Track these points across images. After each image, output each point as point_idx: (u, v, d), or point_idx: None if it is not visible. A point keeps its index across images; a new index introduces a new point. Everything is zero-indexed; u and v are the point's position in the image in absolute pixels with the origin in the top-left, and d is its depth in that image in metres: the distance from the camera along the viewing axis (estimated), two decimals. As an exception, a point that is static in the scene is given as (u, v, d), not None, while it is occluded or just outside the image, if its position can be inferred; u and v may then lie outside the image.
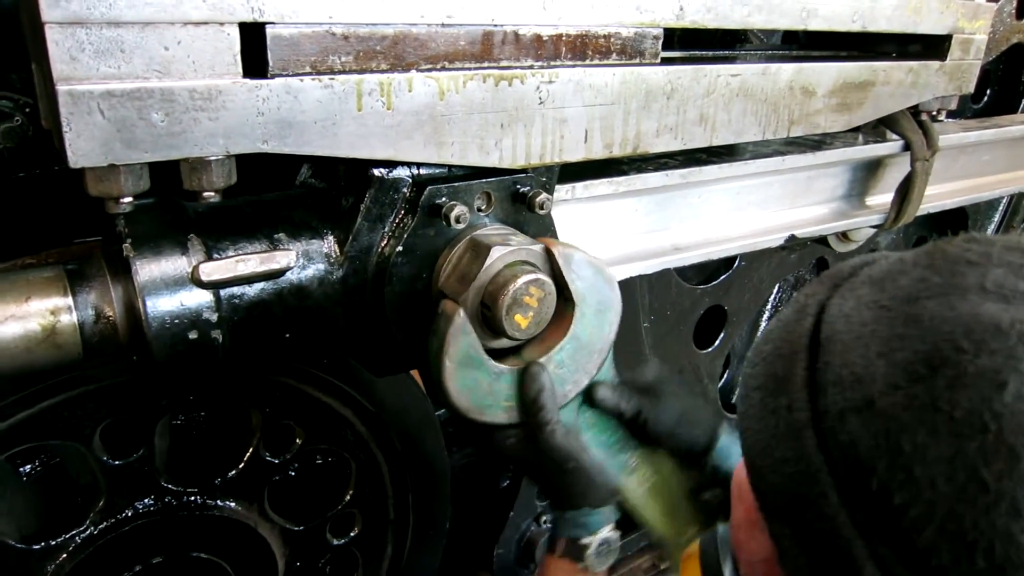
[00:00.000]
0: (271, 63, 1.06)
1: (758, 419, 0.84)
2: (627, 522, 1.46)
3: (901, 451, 0.69)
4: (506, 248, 1.27)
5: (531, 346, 1.35)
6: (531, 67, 1.31)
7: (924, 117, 2.11)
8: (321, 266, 1.27)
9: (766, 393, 0.84)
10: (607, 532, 1.40)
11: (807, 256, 2.74)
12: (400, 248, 1.29)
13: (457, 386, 1.26)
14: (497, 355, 1.32)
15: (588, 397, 1.43)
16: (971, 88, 2.13)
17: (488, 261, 1.26)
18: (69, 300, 1.13)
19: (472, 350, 1.25)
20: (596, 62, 1.39)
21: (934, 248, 0.83)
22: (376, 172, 1.26)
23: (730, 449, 1.48)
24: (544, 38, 1.31)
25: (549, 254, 1.30)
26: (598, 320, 1.36)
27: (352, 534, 1.96)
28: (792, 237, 2.06)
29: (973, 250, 0.79)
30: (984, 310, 0.71)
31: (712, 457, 1.48)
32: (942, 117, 2.16)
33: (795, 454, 0.78)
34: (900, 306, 0.77)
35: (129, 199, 1.04)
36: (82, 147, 0.96)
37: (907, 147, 2.11)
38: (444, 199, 1.29)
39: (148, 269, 1.13)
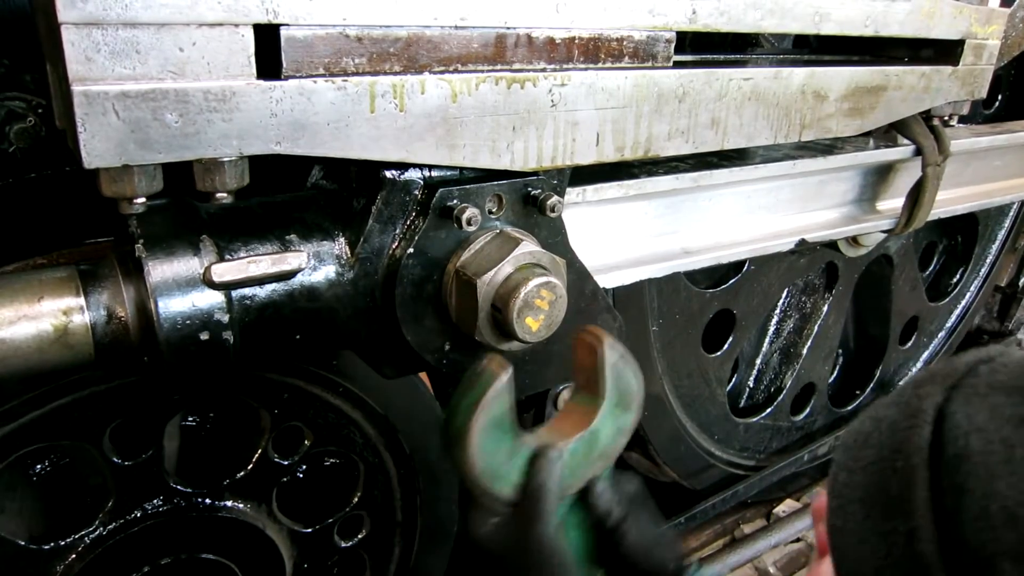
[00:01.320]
0: (285, 65, 1.07)
1: (860, 539, 0.74)
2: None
3: None
4: (523, 248, 1.27)
5: (549, 430, 1.28)
6: (543, 70, 1.31)
7: (936, 122, 2.11)
8: (332, 268, 1.27)
9: (873, 511, 0.74)
10: None
11: (817, 260, 2.73)
12: (411, 250, 1.28)
13: (479, 444, 1.17)
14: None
15: (584, 493, 1.31)
16: (983, 93, 2.12)
17: (515, 252, 1.25)
18: (81, 300, 1.14)
19: (506, 413, 1.18)
20: (608, 65, 1.38)
21: None
22: (388, 174, 1.26)
23: None
24: (557, 41, 1.31)
25: (595, 346, 1.24)
26: (619, 420, 1.30)
27: (360, 536, 1.96)
28: (802, 241, 2.05)
29: None
30: None
31: None
32: (954, 122, 2.15)
33: None
34: None
35: (142, 200, 1.04)
36: (97, 147, 0.96)
37: (918, 152, 2.11)
38: (455, 201, 1.29)
39: (160, 270, 1.13)
